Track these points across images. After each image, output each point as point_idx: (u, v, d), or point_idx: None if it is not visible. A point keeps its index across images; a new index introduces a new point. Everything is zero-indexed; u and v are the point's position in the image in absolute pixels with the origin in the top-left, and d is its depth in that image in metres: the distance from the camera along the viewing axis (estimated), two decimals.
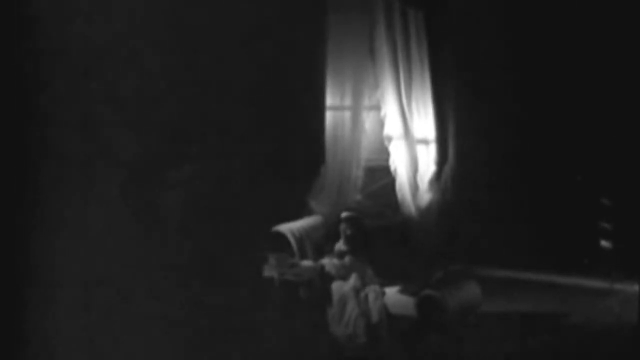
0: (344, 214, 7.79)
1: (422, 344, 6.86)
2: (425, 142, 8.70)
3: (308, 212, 8.18)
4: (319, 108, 8.46)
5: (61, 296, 6.26)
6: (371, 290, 7.16)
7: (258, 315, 7.14)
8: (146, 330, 6.61)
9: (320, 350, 6.90)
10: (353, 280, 7.26)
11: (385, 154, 8.54)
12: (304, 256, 7.67)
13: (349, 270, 7.44)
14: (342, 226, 7.71)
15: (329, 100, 8.50)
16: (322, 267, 7.48)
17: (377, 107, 8.58)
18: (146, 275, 6.94)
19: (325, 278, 7.37)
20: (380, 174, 8.63)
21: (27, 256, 6.14)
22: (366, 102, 8.59)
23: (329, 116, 8.51)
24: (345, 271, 7.44)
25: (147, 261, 6.99)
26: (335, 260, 7.57)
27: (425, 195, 8.53)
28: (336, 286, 7.25)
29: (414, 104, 8.61)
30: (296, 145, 8.20)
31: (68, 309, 6.24)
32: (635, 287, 7.69)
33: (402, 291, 7.23)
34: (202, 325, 6.89)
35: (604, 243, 8.03)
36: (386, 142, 8.53)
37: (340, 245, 7.66)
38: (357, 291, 7.15)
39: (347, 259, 7.56)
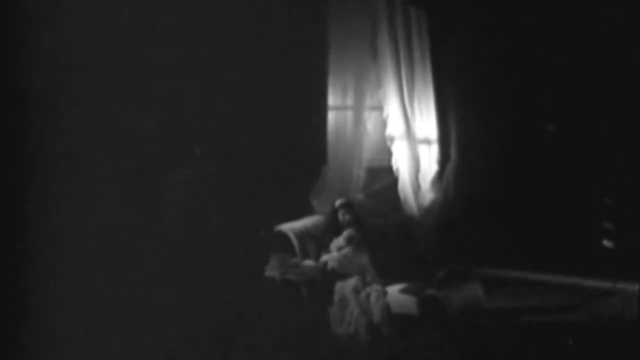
0: (338, 202, 7.87)
1: (424, 344, 6.85)
2: (427, 141, 8.71)
3: (310, 212, 8.19)
4: (321, 108, 8.47)
5: (60, 297, 6.26)
6: (373, 290, 7.16)
7: (259, 315, 7.14)
8: (146, 331, 6.62)
9: (322, 350, 6.90)
10: (354, 280, 7.26)
11: (388, 153, 8.55)
12: (305, 256, 7.68)
13: (351, 261, 7.47)
14: (340, 213, 7.78)
15: (331, 100, 8.52)
16: (325, 265, 7.50)
17: (379, 107, 8.59)
18: (146, 275, 6.94)
19: (328, 276, 7.38)
20: (382, 174, 8.64)
21: (27, 256, 6.14)
22: (368, 101, 8.60)
23: (331, 116, 8.53)
24: (348, 262, 7.48)
25: (147, 261, 6.99)
26: (335, 254, 7.59)
27: (428, 195, 8.54)
28: (338, 287, 7.26)
29: (416, 104, 8.62)
30: (298, 145, 8.21)
31: (67, 310, 6.24)
32: (637, 287, 7.67)
33: (404, 291, 7.23)
34: (202, 325, 6.89)
35: (606, 242, 8.02)
36: (388, 142, 8.54)
37: (339, 242, 7.68)
38: (357, 292, 7.16)
39: (347, 249, 7.60)
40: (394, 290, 7.24)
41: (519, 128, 8.79)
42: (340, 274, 7.40)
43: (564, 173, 8.69)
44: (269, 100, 8.03)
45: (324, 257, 7.59)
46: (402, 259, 7.76)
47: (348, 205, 7.89)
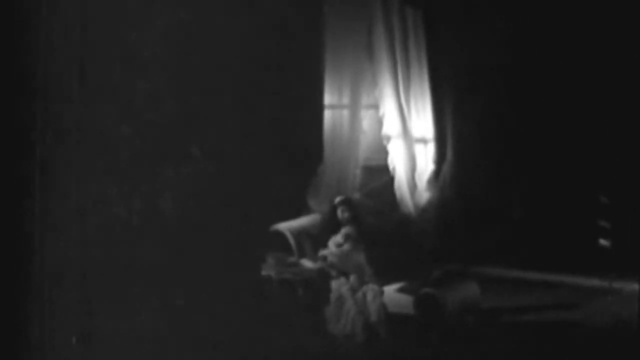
0: (337, 199, 7.84)
1: (421, 343, 6.85)
2: (423, 141, 8.71)
3: (307, 211, 8.17)
4: (317, 107, 8.45)
5: (60, 295, 6.24)
6: (369, 289, 7.16)
7: (256, 314, 7.13)
8: (144, 330, 6.60)
9: (319, 349, 6.89)
10: (351, 279, 7.26)
11: (384, 152, 8.54)
12: (302, 255, 7.67)
13: (348, 258, 7.46)
14: (339, 210, 7.75)
15: (327, 99, 8.50)
16: (325, 258, 7.49)
17: (376, 106, 8.59)
18: (145, 275, 6.93)
19: (325, 276, 7.38)
20: (378, 173, 8.63)
21: (26, 256, 6.12)
22: (364, 100, 8.59)
23: (327, 115, 8.51)
24: (346, 259, 7.46)
25: (145, 260, 6.97)
26: (334, 249, 7.58)
27: (424, 194, 8.54)
28: (335, 286, 7.25)
29: (412, 103, 8.62)
30: (294, 144, 8.19)
31: (67, 308, 6.22)
32: (635, 286, 7.67)
33: (401, 290, 7.22)
34: (200, 324, 6.88)
35: (603, 242, 8.02)
36: (384, 141, 8.54)
37: (337, 239, 7.67)
38: (354, 291, 7.15)
39: (345, 246, 7.59)
40: (390, 289, 7.23)
41: (516, 127, 8.79)
42: (338, 269, 7.39)
43: (561, 172, 8.70)
44: (266, 99, 8.02)
45: (323, 252, 7.57)
46: (399, 258, 7.75)
47: (347, 203, 7.85)
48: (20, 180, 6.01)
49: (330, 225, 7.81)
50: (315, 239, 7.81)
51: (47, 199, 6.13)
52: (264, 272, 7.45)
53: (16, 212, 5.94)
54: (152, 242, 7.08)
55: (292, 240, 7.64)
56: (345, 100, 8.53)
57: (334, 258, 7.50)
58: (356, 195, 8.41)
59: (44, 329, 5.99)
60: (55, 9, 6.10)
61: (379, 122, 8.57)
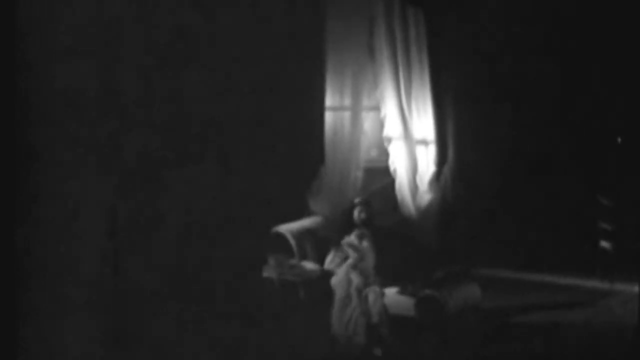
0: (357, 199, 7.90)
1: (422, 344, 6.85)
2: (424, 142, 8.68)
3: (308, 213, 8.18)
4: (318, 108, 8.45)
5: (59, 297, 6.25)
6: (371, 291, 7.17)
7: (258, 315, 7.14)
8: (144, 331, 6.61)
9: (320, 350, 6.90)
10: (357, 280, 7.26)
11: (385, 154, 8.53)
12: (303, 257, 7.67)
13: (362, 254, 7.48)
14: (357, 211, 7.80)
15: (328, 100, 8.48)
16: (356, 248, 7.50)
17: (377, 108, 8.57)
18: (143, 275, 6.93)
19: (326, 278, 7.39)
20: (379, 175, 8.62)
21: (25, 257, 6.13)
22: (366, 102, 8.58)
23: (328, 117, 8.50)
24: (362, 254, 7.49)
25: (145, 260, 6.98)
26: (355, 241, 7.62)
27: (425, 196, 8.52)
28: (338, 287, 7.25)
29: (413, 105, 8.60)
30: (295, 146, 8.20)
31: (66, 309, 6.24)
32: (636, 288, 7.69)
33: (402, 292, 7.23)
34: (201, 325, 6.89)
35: (604, 243, 8.03)
36: (386, 143, 8.52)
37: (351, 239, 7.67)
38: (359, 291, 7.17)
39: (364, 243, 7.60)
40: (392, 291, 7.24)
41: (517, 128, 8.79)
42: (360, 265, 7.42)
43: (562, 173, 8.71)
44: (267, 101, 8.02)
45: (349, 240, 7.60)
46: (400, 260, 7.75)
47: (366, 204, 7.89)
48: (17, 182, 6.02)
49: (344, 226, 7.83)
50: (316, 240, 7.82)
51: (46, 200, 6.14)
52: (265, 274, 7.47)
53: (12, 214, 5.95)
54: (153, 243, 7.09)
55: (293, 242, 7.65)
56: (347, 102, 8.52)
57: (354, 252, 7.54)
58: (357, 198, 8.42)
59: (41, 330, 6.01)
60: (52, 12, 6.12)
61: (380, 124, 8.57)
